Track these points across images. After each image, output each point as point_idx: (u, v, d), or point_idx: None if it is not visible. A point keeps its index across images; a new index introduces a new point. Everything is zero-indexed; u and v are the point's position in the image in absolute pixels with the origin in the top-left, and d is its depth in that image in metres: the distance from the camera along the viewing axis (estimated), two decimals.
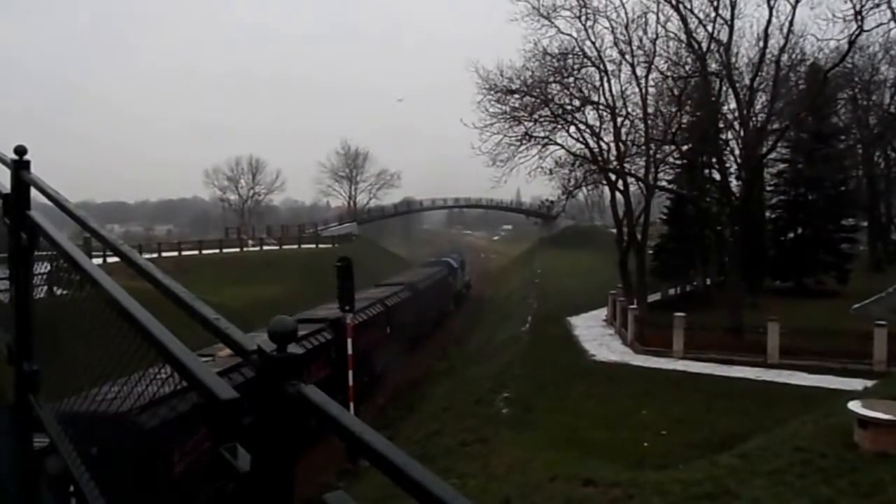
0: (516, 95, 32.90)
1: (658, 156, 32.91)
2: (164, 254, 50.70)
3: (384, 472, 1.13)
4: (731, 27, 27.57)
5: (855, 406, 10.95)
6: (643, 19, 31.20)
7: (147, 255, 52.02)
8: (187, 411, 1.91)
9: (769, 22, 26.66)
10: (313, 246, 64.39)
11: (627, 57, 32.14)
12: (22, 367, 2.94)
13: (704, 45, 28.23)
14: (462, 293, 55.07)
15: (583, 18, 31.62)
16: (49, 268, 3.01)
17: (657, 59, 31.37)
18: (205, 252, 54.88)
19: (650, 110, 32.38)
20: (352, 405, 19.16)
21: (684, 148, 32.10)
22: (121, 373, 2.09)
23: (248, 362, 1.43)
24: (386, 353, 27.61)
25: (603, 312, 33.14)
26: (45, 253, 2.96)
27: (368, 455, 1.17)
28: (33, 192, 2.99)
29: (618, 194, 34.35)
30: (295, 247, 63.63)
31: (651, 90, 32.62)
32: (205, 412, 1.50)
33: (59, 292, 3.03)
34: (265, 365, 1.37)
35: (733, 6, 27.59)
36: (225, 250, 57.17)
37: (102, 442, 2.54)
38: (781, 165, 39.60)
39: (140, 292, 2.03)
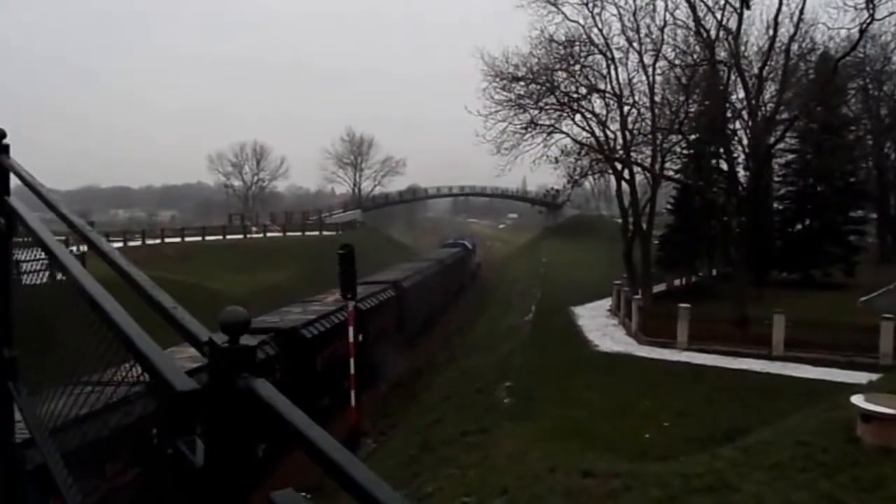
0: (522, 83, 32.68)
1: (665, 145, 32.73)
2: (167, 240, 50.77)
3: (328, 473, 1.11)
4: (741, 15, 27.22)
5: (858, 400, 10.82)
6: (651, 6, 31.01)
7: (150, 241, 52.07)
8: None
9: (779, 10, 26.32)
10: (317, 233, 64.42)
11: (635, 45, 31.99)
12: (1, 353, 2.89)
13: (713, 34, 27.88)
14: (474, 272, 62.32)
15: (590, 5, 31.46)
16: (28, 255, 2.95)
17: (665, 47, 31.13)
18: (208, 238, 54.90)
19: (657, 99, 32.21)
20: (353, 393, 19.18)
21: (691, 138, 31.87)
22: (96, 363, 2.01)
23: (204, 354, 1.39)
24: (428, 308, 37.26)
25: (607, 303, 33.03)
26: (21, 239, 2.90)
27: (314, 455, 1.14)
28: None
29: (623, 184, 34.18)
30: (298, 234, 63.69)
31: (658, 79, 32.49)
32: (163, 404, 1.46)
33: (37, 280, 2.97)
34: (215, 357, 1.33)
35: None
36: (228, 237, 57.28)
37: (77, 435, 2.47)
38: (790, 156, 39.40)
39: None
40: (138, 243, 48.08)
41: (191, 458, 1.35)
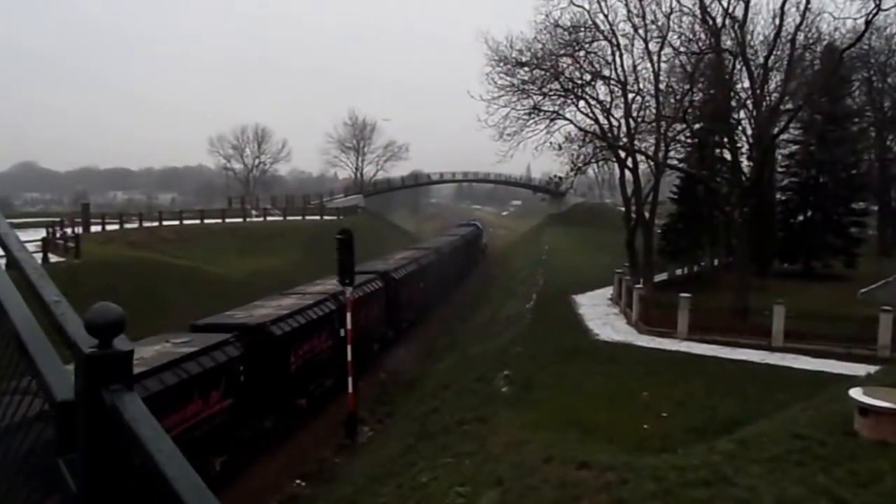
0: (526, 68, 32.46)
1: (669, 134, 32.47)
2: (164, 222, 50.06)
3: None
4: (747, 3, 26.91)
5: (856, 393, 10.75)
6: None
7: (148, 224, 50.99)
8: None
9: None
10: (317, 218, 64.16)
11: (640, 31, 31.67)
12: None
13: (719, 21, 27.57)
14: (483, 249, 71.69)
15: None
16: None
17: (670, 34, 30.75)
18: (207, 221, 54.46)
19: (662, 87, 31.94)
20: (350, 380, 19.17)
21: (695, 126, 31.63)
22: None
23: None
24: (456, 269, 49.96)
25: (609, 291, 32.94)
26: None
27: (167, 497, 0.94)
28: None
29: (627, 172, 34.01)
30: (299, 218, 63.39)
31: (663, 66, 32.15)
32: (49, 413, 1.25)
33: None
34: (81, 365, 1.14)
35: None
36: (227, 220, 56.59)
37: None
38: (793, 147, 39.24)
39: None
40: (135, 225, 47.19)
41: (68, 482, 1.17)
